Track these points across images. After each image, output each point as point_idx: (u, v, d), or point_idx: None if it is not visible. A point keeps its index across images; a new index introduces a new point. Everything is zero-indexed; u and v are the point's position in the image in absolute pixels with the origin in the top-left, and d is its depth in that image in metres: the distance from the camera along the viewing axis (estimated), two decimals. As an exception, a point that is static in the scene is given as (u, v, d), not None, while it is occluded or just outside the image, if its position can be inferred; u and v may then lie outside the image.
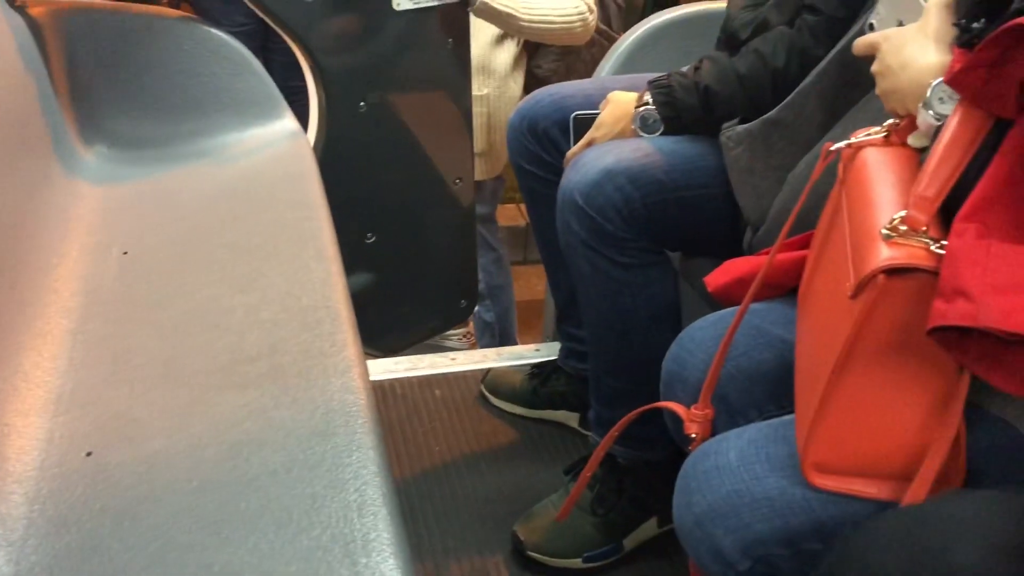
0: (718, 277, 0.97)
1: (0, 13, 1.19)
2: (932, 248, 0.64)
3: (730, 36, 1.23)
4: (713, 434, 0.85)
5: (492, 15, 1.78)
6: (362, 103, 1.63)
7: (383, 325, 1.76)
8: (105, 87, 1.38)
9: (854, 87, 1.02)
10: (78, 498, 0.78)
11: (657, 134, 1.21)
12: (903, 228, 0.65)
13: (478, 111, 2.02)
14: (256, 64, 1.46)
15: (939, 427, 0.65)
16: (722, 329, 0.90)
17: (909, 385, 0.67)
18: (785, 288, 0.92)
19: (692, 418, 0.88)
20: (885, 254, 0.65)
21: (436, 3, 1.61)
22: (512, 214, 3.61)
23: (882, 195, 0.70)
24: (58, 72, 1.32)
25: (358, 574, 0.69)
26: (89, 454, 0.82)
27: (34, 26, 1.27)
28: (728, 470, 0.76)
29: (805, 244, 0.90)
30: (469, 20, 1.72)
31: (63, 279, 1.06)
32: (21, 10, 1.27)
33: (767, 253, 0.86)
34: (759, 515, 0.73)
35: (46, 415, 0.86)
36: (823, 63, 1.07)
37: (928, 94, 0.70)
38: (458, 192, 1.78)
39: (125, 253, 1.13)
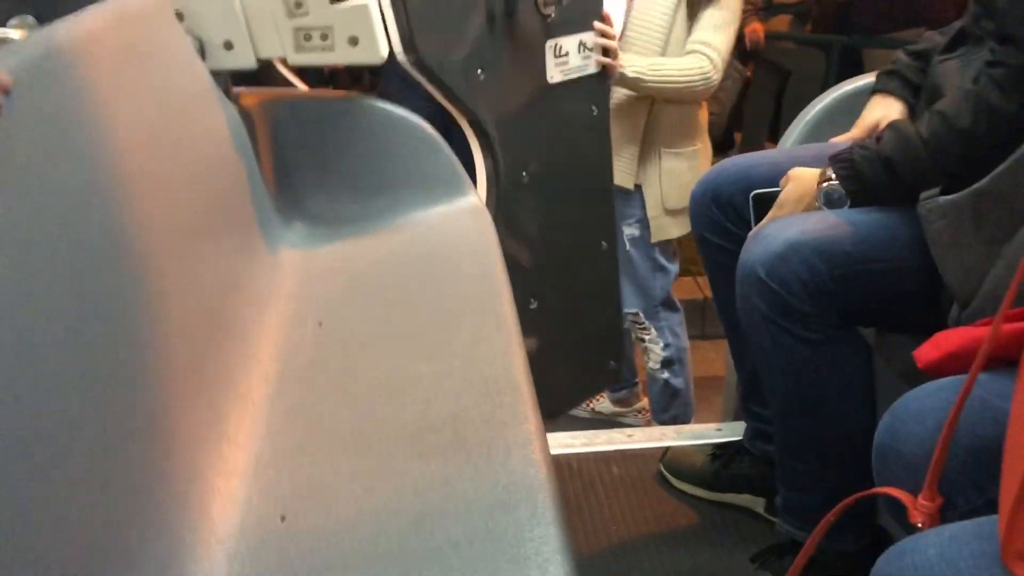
0: (929, 352, 0.91)
1: (218, 104, 1.30)
2: None
3: (931, 93, 1.18)
4: (942, 523, 0.79)
5: (624, 82, 1.93)
6: (524, 173, 1.69)
7: (542, 388, 1.78)
8: (304, 168, 1.48)
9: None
10: (273, 559, 0.81)
11: (843, 209, 1.16)
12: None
13: (688, 166, 2.08)
14: (442, 142, 1.53)
15: None
16: (942, 400, 0.84)
17: None
18: (1006, 361, 0.85)
19: (920, 508, 0.82)
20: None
21: (580, 75, 1.70)
22: (689, 287, 3.56)
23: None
24: (265, 155, 1.43)
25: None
26: (283, 518, 0.85)
27: (245, 115, 1.39)
28: (927, 568, 0.70)
29: (1024, 317, 0.83)
30: (609, 90, 1.83)
31: (263, 347, 1.12)
32: (235, 100, 1.39)
33: (984, 324, 0.80)
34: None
35: (246, 478, 0.91)
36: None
37: None
38: (604, 256, 1.83)
39: (320, 323, 1.20)
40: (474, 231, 1.45)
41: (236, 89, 1.43)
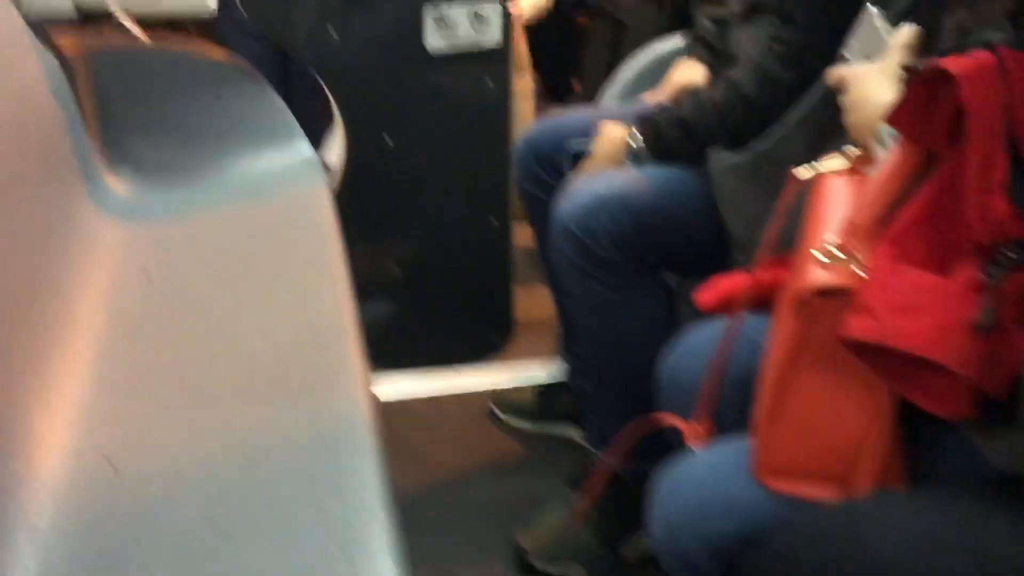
0: (708, 294, 1.02)
1: (32, 51, 1.27)
2: (858, 271, 0.70)
3: (727, 58, 1.29)
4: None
5: None
6: (387, 137, 1.68)
7: (411, 353, 1.81)
8: (129, 118, 1.46)
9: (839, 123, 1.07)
10: (100, 505, 0.84)
11: (647, 165, 1.27)
12: (836, 252, 0.71)
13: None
14: (272, 93, 1.54)
15: (873, 434, 0.71)
16: (715, 338, 0.94)
17: (845, 394, 0.72)
18: (768, 303, 0.97)
19: (693, 433, 0.93)
20: (817, 276, 0.70)
21: (473, 49, 1.64)
22: (530, 234, 3.66)
23: (829, 221, 0.75)
24: (87, 105, 1.40)
25: (353, 563, 0.75)
26: (112, 465, 0.88)
27: (66, 63, 1.36)
28: (696, 480, 0.81)
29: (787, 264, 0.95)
30: (510, 63, 1.75)
31: (88, 298, 1.12)
32: (52, 47, 1.36)
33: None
34: (725, 520, 0.78)
35: (74, 427, 0.92)
36: (812, 99, 1.13)
37: (879, 129, 0.76)
38: (493, 231, 1.83)
39: (147, 275, 1.20)
40: (305, 182, 1.47)
41: (57, 36, 1.39)
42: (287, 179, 1.46)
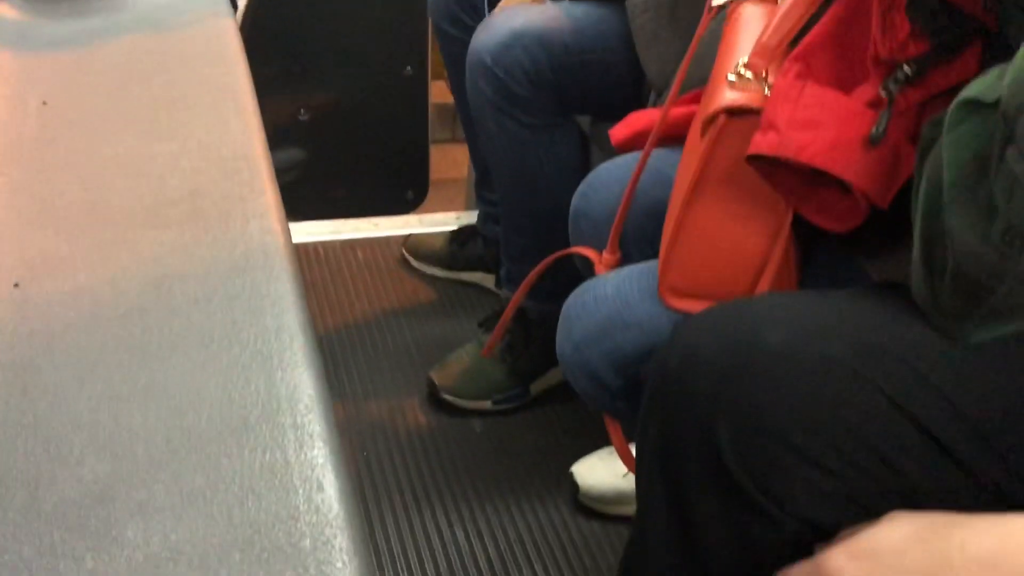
0: (621, 130, 1.03)
1: None
2: (766, 91, 0.72)
3: None
4: None
5: None
6: None
7: (320, 202, 1.79)
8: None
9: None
10: (7, 324, 0.83)
11: (565, 1, 1.25)
12: (746, 73, 0.73)
13: None
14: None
15: (774, 252, 0.75)
16: (625, 171, 0.96)
17: (747, 215, 0.75)
18: (678, 139, 0.99)
19: (604, 262, 0.96)
20: (727, 96, 0.72)
21: None
22: (443, 91, 3.60)
23: (741, 45, 0.77)
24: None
25: (274, 386, 0.77)
26: (16, 285, 0.87)
27: None
28: (605, 300, 0.84)
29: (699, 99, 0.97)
30: None
31: (-17, 127, 1.08)
32: None
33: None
34: (629, 337, 0.82)
35: (-28, 251, 0.90)
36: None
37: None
38: (407, 81, 1.79)
39: (44, 103, 1.15)
40: (210, 13, 1.41)
41: None
42: (191, 10, 1.40)
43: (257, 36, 1.64)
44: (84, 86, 1.20)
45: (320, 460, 0.68)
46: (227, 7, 1.42)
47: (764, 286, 0.77)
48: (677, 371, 0.62)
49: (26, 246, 0.92)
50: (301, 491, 0.65)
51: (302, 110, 1.76)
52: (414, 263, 1.69)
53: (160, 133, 1.10)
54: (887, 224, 0.69)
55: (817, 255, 0.82)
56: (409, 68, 1.78)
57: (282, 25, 1.68)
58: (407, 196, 1.89)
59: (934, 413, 0.57)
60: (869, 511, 0.57)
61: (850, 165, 0.65)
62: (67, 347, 0.81)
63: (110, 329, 0.83)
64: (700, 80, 0.95)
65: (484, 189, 1.58)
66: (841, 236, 0.72)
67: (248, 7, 1.66)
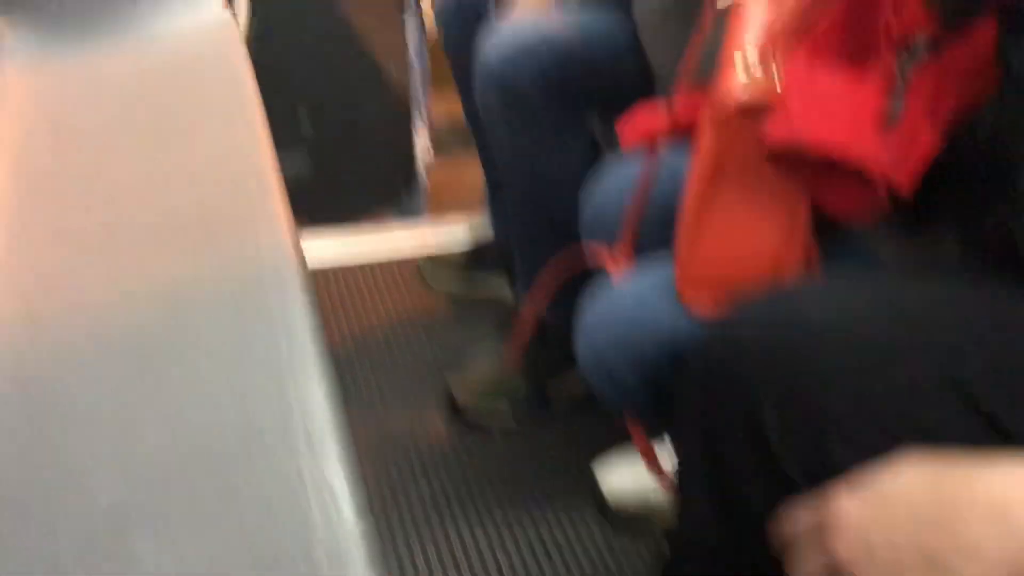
0: (630, 130, 1.02)
1: None
2: (776, 81, 0.71)
3: None
4: None
5: None
6: None
7: (321, 205, 1.81)
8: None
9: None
10: (20, 348, 0.83)
11: (572, 8, 1.25)
12: (755, 62, 0.71)
13: None
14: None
15: (790, 249, 0.73)
16: (636, 168, 0.95)
17: (763, 207, 0.74)
18: (687, 133, 0.98)
19: (617, 263, 0.94)
20: (735, 87, 0.71)
21: None
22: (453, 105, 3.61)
23: (748, 34, 0.75)
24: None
25: (287, 400, 0.76)
26: (29, 306, 0.87)
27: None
28: (621, 300, 0.83)
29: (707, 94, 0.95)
30: None
31: (-6, 152, 1.08)
32: None
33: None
34: (648, 336, 0.81)
35: (-15, 276, 0.90)
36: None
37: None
38: (393, 79, 1.81)
39: (57, 129, 1.16)
40: (220, 39, 1.41)
41: None
42: (200, 32, 1.41)
43: (258, 42, 1.66)
44: (92, 106, 1.20)
45: (335, 474, 0.67)
46: (233, 25, 1.42)
47: (785, 277, 0.75)
48: (718, 358, 0.61)
49: (39, 269, 0.92)
50: (316, 506, 0.64)
51: (301, 111, 1.79)
52: (429, 278, 1.68)
53: (169, 150, 1.10)
54: (909, 204, 0.68)
55: (835, 244, 0.80)
56: (393, 70, 1.83)
57: (281, 31, 1.70)
58: (400, 196, 1.94)
59: (983, 389, 0.56)
60: None
61: (865, 148, 0.63)
62: (79, 367, 0.80)
63: (122, 348, 0.83)
64: (708, 74, 0.94)
65: (496, 197, 1.57)
66: (860, 224, 0.70)
67: (251, 22, 1.67)
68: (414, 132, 1.94)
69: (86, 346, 0.84)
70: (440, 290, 1.67)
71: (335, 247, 1.83)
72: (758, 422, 0.57)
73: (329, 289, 1.74)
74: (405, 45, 1.82)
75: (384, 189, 1.92)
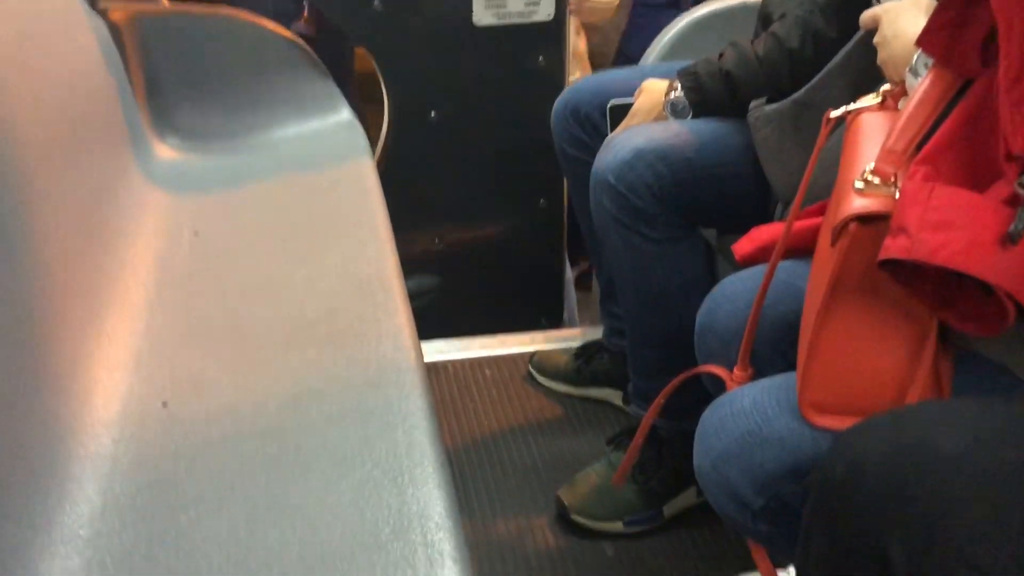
0: (744, 245, 1.03)
1: (84, 18, 1.30)
2: (895, 196, 0.70)
3: (765, 19, 1.29)
4: None
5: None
6: (432, 112, 1.68)
7: (453, 327, 1.82)
8: (175, 83, 1.49)
9: (877, 66, 1.07)
10: (156, 441, 0.87)
11: (687, 119, 1.27)
12: (874, 179, 0.71)
13: None
14: (314, 59, 1.56)
15: (917, 367, 0.71)
16: (751, 284, 0.95)
17: (885, 325, 0.72)
18: (805, 251, 0.97)
19: (735, 379, 0.93)
20: (856, 203, 0.71)
21: (520, 21, 1.63)
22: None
23: (865, 153, 0.75)
24: (135, 70, 1.44)
25: (405, 503, 0.77)
26: (165, 404, 0.91)
27: (114, 29, 1.39)
28: (742, 415, 0.82)
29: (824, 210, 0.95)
30: (565, 36, 1.71)
31: (140, 255, 1.16)
32: (103, 14, 1.39)
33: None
34: (770, 454, 0.79)
35: (127, 371, 0.96)
36: (849, 44, 1.12)
37: (914, 60, 0.76)
38: (542, 213, 1.81)
39: (196, 234, 1.24)
40: (347, 145, 1.50)
41: (105, 3, 1.42)
42: (331, 146, 1.49)
43: (393, 168, 1.72)
44: (232, 218, 1.28)
45: (451, 584, 0.68)
46: (364, 140, 1.50)
47: (913, 399, 0.73)
48: (842, 484, 0.59)
49: (175, 367, 0.97)
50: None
51: (436, 239, 1.81)
52: (540, 379, 1.69)
53: (300, 259, 1.16)
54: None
55: (967, 364, 0.77)
56: (543, 201, 1.81)
57: (419, 158, 1.75)
58: (541, 324, 1.89)
59: None
60: None
61: (988, 264, 0.62)
62: (209, 465, 0.84)
63: (250, 447, 0.86)
64: (825, 190, 0.94)
65: (609, 304, 1.57)
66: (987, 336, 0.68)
67: (384, 144, 1.75)
68: (565, 262, 1.90)
69: (215, 441, 0.88)
70: (550, 389, 1.68)
71: (448, 343, 1.85)
72: (883, 552, 0.55)
73: (439, 382, 1.76)
74: (558, 185, 1.78)
75: (523, 316, 1.89)
